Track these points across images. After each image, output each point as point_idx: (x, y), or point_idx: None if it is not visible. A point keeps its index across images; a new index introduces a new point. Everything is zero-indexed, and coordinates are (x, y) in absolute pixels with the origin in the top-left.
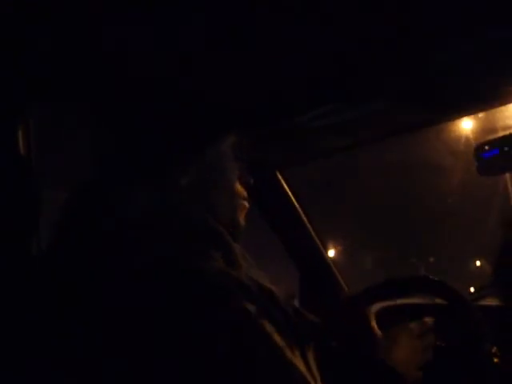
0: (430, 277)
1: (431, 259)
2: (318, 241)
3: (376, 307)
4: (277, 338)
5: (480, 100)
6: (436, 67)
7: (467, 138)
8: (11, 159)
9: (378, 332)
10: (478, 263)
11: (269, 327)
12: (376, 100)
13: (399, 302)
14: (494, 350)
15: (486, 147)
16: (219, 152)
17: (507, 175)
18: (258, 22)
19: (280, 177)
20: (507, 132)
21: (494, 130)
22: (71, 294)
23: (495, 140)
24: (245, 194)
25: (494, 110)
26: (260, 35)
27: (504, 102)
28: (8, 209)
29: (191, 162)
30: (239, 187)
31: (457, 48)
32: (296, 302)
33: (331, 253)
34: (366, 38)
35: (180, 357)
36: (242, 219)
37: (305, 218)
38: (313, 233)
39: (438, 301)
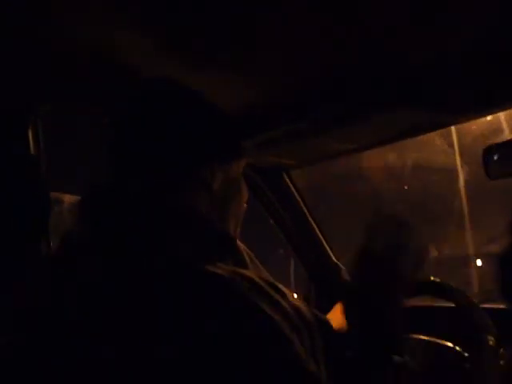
0: (438, 280)
1: None
2: (324, 241)
3: None
4: (291, 335)
5: (483, 103)
6: (438, 69)
7: None
8: (21, 160)
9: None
10: None
11: (282, 324)
12: (378, 102)
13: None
14: (501, 351)
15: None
16: (239, 166)
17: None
18: (258, 23)
19: (287, 178)
20: None
21: None
22: (80, 293)
23: (506, 142)
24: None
25: None
26: (261, 36)
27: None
28: (18, 209)
29: (219, 168)
30: (245, 203)
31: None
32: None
33: None
34: (367, 39)
35: (191, 356)
36: (238, 231)
37: (311, 219)
38: (319, 233)
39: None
